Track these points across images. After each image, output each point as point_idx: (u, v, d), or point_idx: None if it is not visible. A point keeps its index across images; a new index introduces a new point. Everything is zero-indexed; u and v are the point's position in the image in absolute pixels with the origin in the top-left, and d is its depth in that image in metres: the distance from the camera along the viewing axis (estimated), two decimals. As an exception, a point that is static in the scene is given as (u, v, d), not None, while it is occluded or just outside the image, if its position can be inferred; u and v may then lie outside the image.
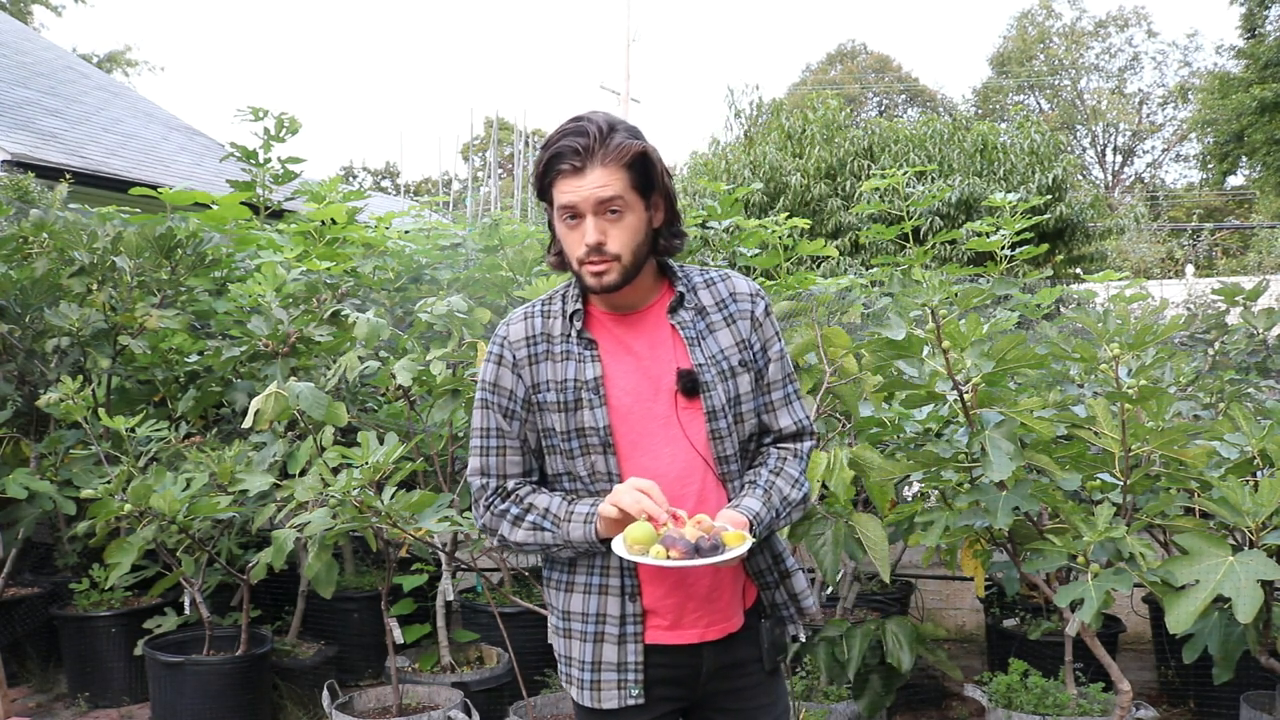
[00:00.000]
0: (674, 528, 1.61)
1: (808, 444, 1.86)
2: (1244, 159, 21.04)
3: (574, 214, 1.68)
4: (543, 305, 1.82)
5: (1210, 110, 21.84)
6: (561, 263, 1.78)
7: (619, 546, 1.61)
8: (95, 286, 4.05)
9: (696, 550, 1.56)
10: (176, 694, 3.67)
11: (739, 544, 1.59)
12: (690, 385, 1.73)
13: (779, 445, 1.84)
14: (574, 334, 1.77)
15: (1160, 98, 38.23)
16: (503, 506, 1.78)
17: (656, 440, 1.73)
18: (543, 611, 2.71)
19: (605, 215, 1.67)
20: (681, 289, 1.80)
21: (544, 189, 1.72)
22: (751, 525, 1.69)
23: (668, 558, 1.56)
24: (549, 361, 1.77)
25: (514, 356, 1.78)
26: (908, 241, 4.44)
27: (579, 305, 1.78)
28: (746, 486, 1.77)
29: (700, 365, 1.74)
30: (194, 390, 4.09)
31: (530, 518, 1.75)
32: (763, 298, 1.84)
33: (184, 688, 3.66)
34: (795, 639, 1.90)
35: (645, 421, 1.74)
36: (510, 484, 1.80)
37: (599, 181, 1.65)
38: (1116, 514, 2.36)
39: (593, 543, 1.70)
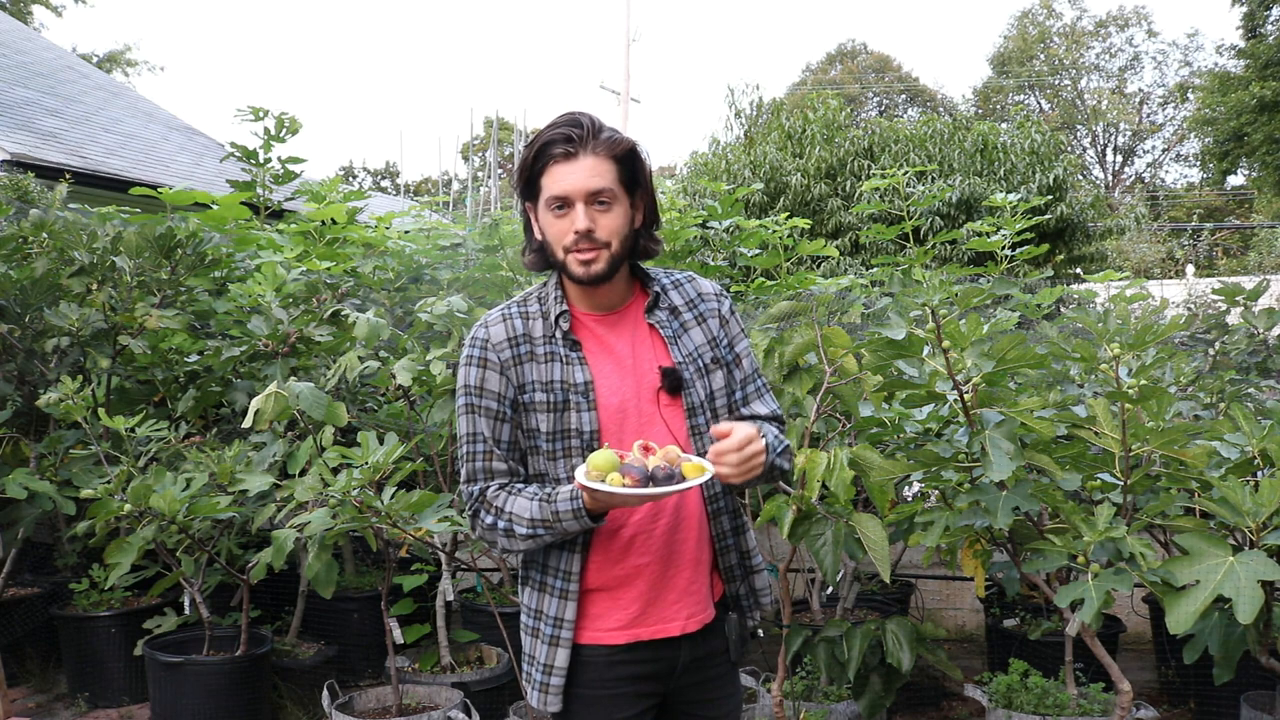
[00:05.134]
0: (637, 455, 1.59)
1: (779, 426, 1.89)
2: (1244, 159, 20.99)
3: (564, 203, 1.69)
4: (519, 306, 1.80)
5: (1210, 109, 21.80)
6: (540, 260, 1.77)
7: (580, 475, 1.57)
8: (95, 286, 4.05)
9: (651, 479, 1.54)
10: (176, 694, 3.67)
11: (697, 475, 1.56)
12: (674, 382, 1.75)
13: None
14: (559, 335, 1.76)
15: (1160, 98, 38.25)
16: (489, 521, 1.74)
17: (642, 437, 1.73)
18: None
19: (594, 205, 1.68)
20: (655, 289, 1.82)
21: (532, 179, 1.72)
22: (761, 434, 1.64)
23: (623, 485, 1.53)
24: (533, 363, 1.75)
25: (499, 358, 1.75)
26: (908, 241, 4.44)
27: (564, 307, 1.77)
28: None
29: (680, 363, 1.78)
30: (194, 390, 4.08)
31: (521, 530, 1.70)
32: (727, 297, 1.90)
33: (184, 688, 3.66)
34: (755, 633, 1.90)
35: (630, 420, 1.75)
36: (489, 490, 1.75)
37: (591, 170, 1.66)
38: (1117, 514, 2.36)
39: (586, 524, 1.68)
